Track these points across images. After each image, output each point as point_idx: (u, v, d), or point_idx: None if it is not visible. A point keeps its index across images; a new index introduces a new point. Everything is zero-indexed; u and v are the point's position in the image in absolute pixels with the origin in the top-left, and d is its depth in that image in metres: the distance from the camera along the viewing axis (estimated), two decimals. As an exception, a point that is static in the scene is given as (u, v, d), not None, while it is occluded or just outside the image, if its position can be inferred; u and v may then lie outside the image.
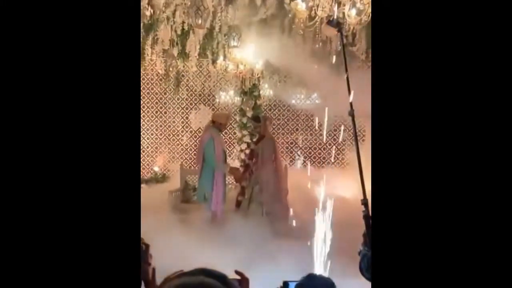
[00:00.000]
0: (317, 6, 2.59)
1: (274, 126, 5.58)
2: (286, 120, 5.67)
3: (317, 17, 2.65)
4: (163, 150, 5.88)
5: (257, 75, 4.47)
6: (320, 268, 2.83)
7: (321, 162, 5.68)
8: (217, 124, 3.96)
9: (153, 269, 0.98)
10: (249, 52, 4.05)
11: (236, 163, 5.25)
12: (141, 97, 5.84)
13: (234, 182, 4.79)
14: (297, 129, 5.67)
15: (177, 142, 5.86)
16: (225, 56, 4.15)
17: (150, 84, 5.80)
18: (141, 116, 5.85)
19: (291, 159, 5.66)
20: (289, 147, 5.71)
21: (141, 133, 5.86)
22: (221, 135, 4.19)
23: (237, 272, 0.99)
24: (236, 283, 0.67)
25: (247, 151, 5.12)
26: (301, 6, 2.65)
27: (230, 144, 5.54)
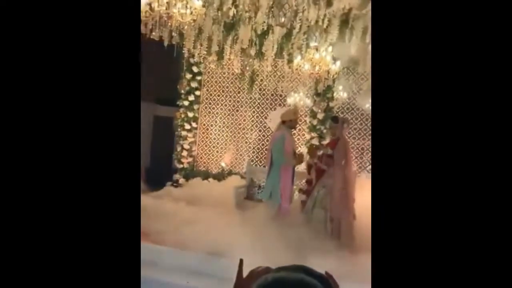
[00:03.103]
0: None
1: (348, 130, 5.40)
2: (358, 125, 5.46)
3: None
4: (232, 147, 6.07)
5: (333, 76, 4.37)
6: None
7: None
8: (288, 122, 3.96)
9: (241, 261, 0.94)
10: (328, 52, 3.97)
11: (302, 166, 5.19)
12: (217, 95, 6.13)
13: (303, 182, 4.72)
14: (370, 135, 5.42)
15: (246, 140, 6.01)
16: (302, 56, 4.13)
17: (226, 82, 6.05)
18: (215, 113, 6.13)
19: (359, 165, 5.43)
20: (359, 153, 5.48)
21: (213, 130, 6.13)
22: (292, 134, 4.17)
23: (327, 274, 0.94)
24: (335, 284, 0.65)
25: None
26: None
27: (297, 146, 5.51)
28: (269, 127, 5.79)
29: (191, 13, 3.62)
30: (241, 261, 0.93)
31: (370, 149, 5.44)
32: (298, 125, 4.73)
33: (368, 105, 5.36)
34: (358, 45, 3.78)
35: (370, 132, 5.44)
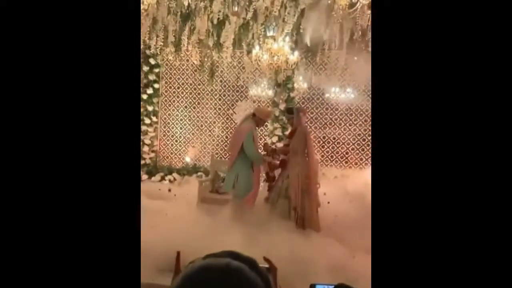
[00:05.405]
0: (360, -9, 2.48)
1: (307, 119, 5.47)
2: (319, 114, 5.55)
3: (358, 3, 2.53)
4: (195, 140, 5.96)
5: (292, 66, 4.38)
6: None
7: (356, 160, 5.51)
8: (257, 119, 3.92)
9: (178, 253, 0.93)
10: (285, 42, 3.97)
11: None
12: (177, 88, 5.96)
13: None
14: (331, 123, 5.54)
15: (210, 133, 5.92)
16: (260, 47, 4.10)
17: (185, 74, 5.89)
18: (175, 106, 5.97)
19: (322, 154, 5.54)
20: (322, 142, 5.59)
21: (175, 124, 5.98)
22: (257, 129, 4.16)
23: (265, 259, 0.93)
24: (265, 269, 0.63)
25: (278, 145, 5.07)
26: (342, -8, 2.55)
27: (261, 137, 5.51)
28: (233, 119, 5.74)
29: (142, 2, 3.46)
30: (178, 253, 0.91)
31: (330, 138, 5.57)
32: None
33: (327, 95, 5.46)
34: (314, 35, 3.81)
35: (331, 121, 5.56)
